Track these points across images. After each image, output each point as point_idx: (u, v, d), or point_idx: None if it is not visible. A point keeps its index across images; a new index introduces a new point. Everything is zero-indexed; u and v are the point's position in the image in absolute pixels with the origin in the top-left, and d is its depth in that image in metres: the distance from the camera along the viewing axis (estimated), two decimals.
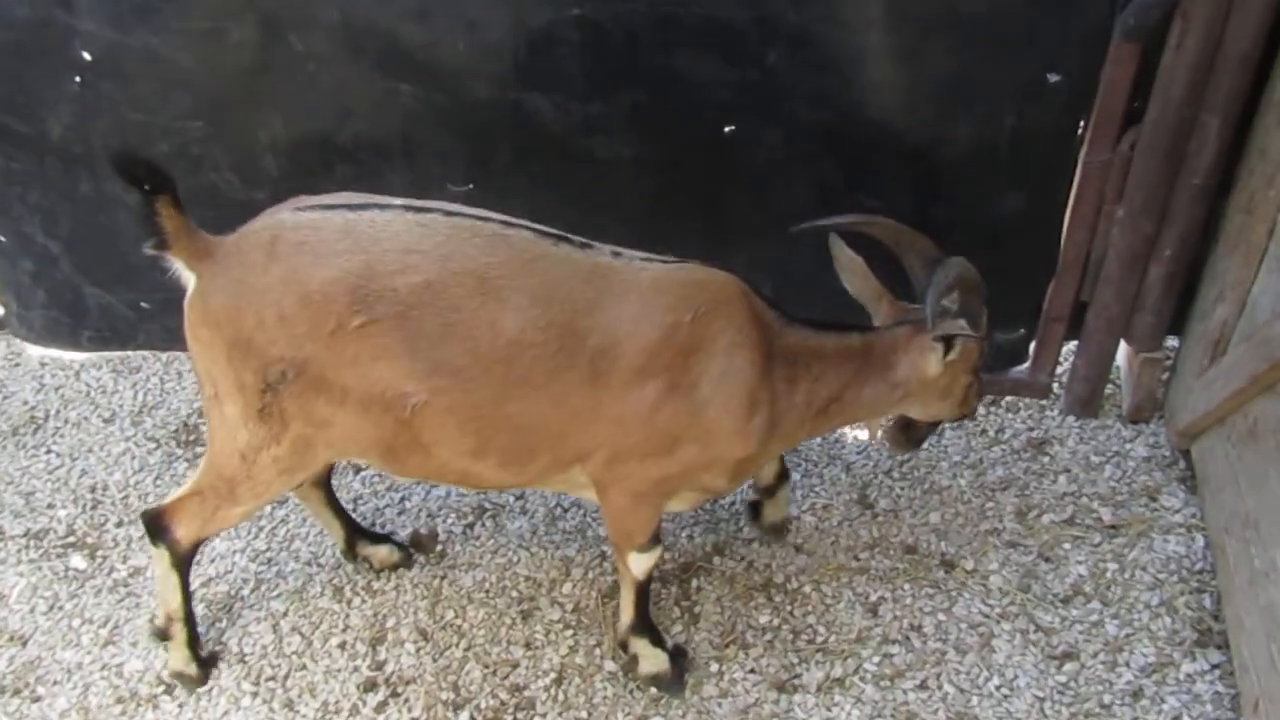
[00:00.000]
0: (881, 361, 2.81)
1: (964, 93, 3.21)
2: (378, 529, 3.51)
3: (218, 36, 3.42)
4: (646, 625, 3.04)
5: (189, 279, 2.60)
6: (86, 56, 3.52)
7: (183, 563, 2.94)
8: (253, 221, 2.62)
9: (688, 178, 3.36)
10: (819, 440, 3.72)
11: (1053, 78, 3.19)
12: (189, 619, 3.04)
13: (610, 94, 3.33)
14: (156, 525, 2.88)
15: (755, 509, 3.41)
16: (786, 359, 2.73)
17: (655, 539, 2.89)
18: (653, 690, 3.01)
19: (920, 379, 2.81)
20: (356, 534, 3.38)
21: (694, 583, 3.30)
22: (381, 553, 3.37)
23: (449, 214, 2.55)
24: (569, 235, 2.61)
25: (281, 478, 2.75)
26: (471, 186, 3.61)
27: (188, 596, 3.01)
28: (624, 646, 3.07)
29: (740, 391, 2.65)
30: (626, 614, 3.03)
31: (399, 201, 2.57)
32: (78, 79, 3.58)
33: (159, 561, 2.93)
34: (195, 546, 2.95)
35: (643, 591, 2.99)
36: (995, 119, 3.29)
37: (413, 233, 2.49)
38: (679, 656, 3.06)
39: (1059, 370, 3.84)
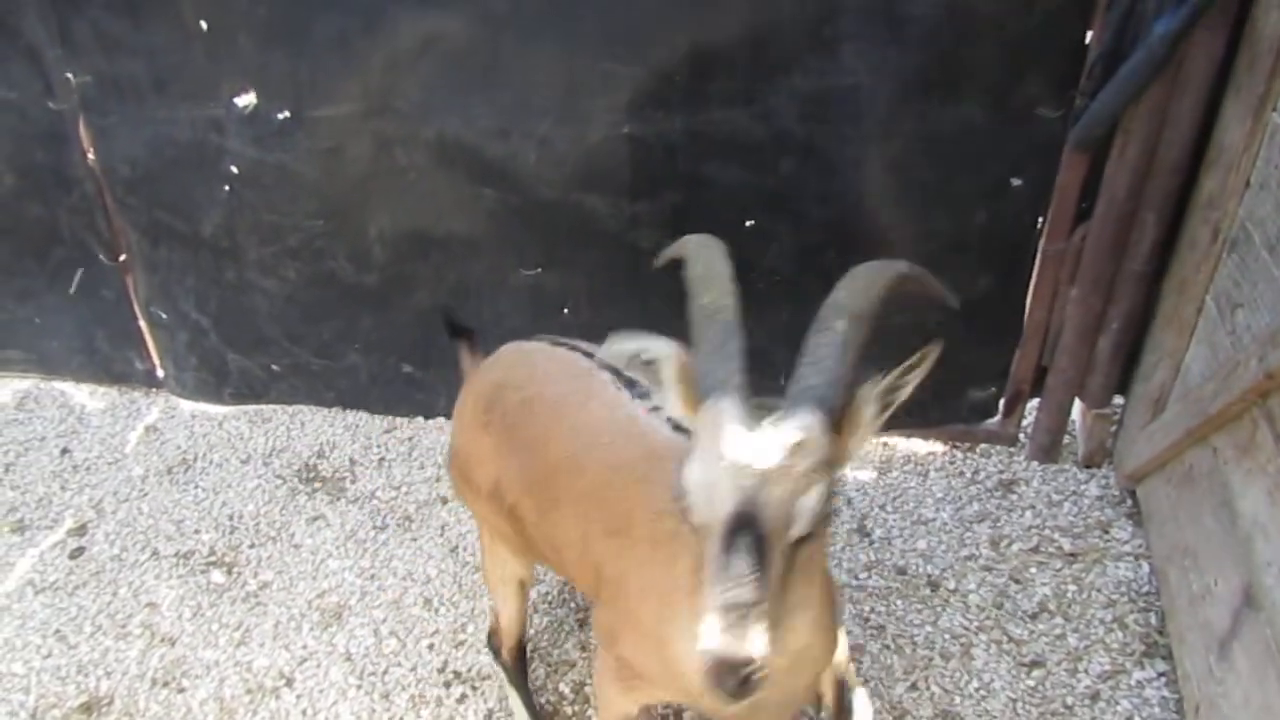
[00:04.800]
0: None
1: (943, 194, 3.22)
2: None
3: (338, 153, 3.51)
4: None
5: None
6: (234, 170, 3.62)
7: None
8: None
9: None
10: None
11: (1016, 182, 3.20)
12: None
13: (653, 195, 3.37)
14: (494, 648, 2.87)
15: None
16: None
17: None
18: None
19: None
20: None
21: None
22: None
23: (572, 348, 2.37)
24: (636, 381, 2.06)
25: (514, 561, 2.63)
26: (540, 270, 3.65)
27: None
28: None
29: None
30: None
31: (563, 339, 2.44)
32: (227, 188, 3.67)
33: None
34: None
35: None
36: (969, 216, 3.30)
37: (537, 361, 2.40)
38: None
39: (1024, 423, 3.82)
